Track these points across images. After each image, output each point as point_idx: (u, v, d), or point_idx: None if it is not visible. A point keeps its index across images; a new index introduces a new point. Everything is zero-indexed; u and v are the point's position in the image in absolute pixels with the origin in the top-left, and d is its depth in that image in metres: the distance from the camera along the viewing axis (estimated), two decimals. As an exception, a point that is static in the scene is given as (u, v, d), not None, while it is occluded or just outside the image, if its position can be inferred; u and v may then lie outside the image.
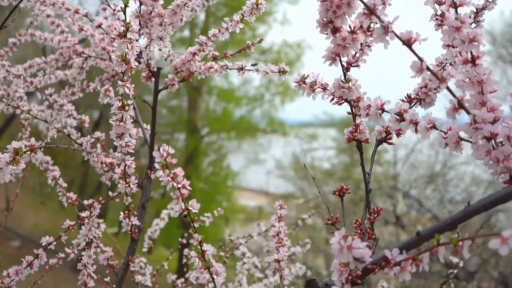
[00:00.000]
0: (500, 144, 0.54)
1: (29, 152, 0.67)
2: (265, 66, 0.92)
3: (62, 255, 1.14)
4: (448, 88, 0.54)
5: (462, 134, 0.58)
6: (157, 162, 0.64)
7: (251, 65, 0.97)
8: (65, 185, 1.14)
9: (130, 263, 1.03)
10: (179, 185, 0.65)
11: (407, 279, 0.53)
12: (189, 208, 0.66)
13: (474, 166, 6.62)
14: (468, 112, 0.53)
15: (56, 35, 1.27)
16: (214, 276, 0.68)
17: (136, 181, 0.94)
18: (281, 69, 0.88)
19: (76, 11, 1.13)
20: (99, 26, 1.02)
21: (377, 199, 6.84)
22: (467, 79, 0.56)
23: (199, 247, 0.68)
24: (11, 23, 0.83)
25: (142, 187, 1.07)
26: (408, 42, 0.53)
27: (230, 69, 1.00)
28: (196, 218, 0.68)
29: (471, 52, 0.56)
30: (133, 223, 1.01)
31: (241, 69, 0.98)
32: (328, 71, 0.71)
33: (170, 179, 0.65)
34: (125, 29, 0.71)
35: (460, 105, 0.54)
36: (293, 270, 1.38)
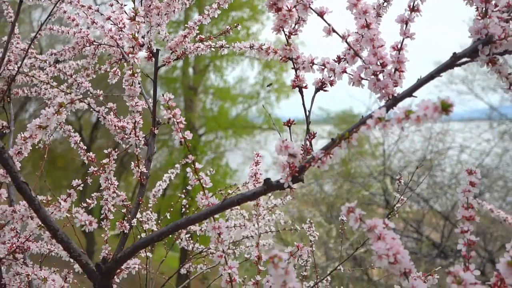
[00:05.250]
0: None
1: (69, 104, 0.95)
2: (239, 43, 1.21)
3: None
4: (347, 43, 0.83)
5: (363, 75, 0.87)
6: (162, 104, 0.93)
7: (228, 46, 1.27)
8: (85, 147, 1.43)
9: (140, 203, 1.32)
10: (178, 120, 0.94)
11: (326, 168, 0.82)
12: (185, 136, 0.95)
13: (460, 151, 6.93)
14: (360, 58, 0.82)
15: (72, 28, 1.56)
16: (204, 185, 0.96)
17: (144, 135, 1.23)
18: (251, 45, 1.17)
19: (89, 7, 1.42)
20: (108, 18, 1.30)
21: (372, 189, 7.15)
22: (363, 37, 0.85)
23: (193, 166, 0.97)
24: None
25: (147, 144, 1.36)
26: (321, 14, 0.82)
27: (213, 47, 1.29)
28: (189, 144, 0.97)
29: (365, 20, 0.85)
30: (142, 171, 1.29)
31: (221, 46, 1.27)
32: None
33: (171, 116, 0.93)
34: (134, 14, 0.99)
35: (356, 54, 0.82)
36: (273, 217, 1.67)
